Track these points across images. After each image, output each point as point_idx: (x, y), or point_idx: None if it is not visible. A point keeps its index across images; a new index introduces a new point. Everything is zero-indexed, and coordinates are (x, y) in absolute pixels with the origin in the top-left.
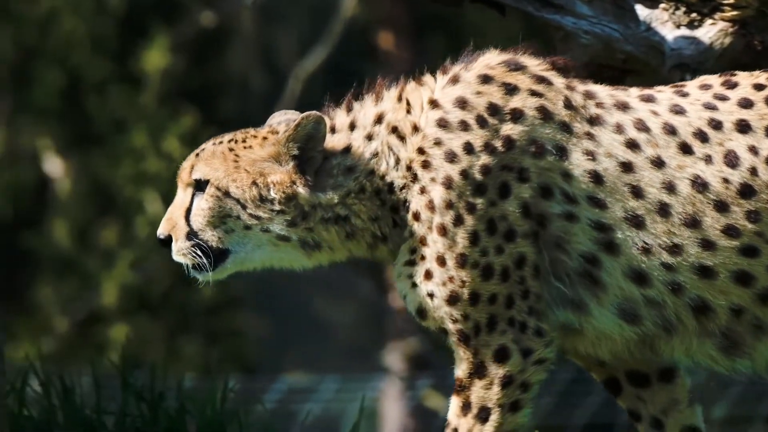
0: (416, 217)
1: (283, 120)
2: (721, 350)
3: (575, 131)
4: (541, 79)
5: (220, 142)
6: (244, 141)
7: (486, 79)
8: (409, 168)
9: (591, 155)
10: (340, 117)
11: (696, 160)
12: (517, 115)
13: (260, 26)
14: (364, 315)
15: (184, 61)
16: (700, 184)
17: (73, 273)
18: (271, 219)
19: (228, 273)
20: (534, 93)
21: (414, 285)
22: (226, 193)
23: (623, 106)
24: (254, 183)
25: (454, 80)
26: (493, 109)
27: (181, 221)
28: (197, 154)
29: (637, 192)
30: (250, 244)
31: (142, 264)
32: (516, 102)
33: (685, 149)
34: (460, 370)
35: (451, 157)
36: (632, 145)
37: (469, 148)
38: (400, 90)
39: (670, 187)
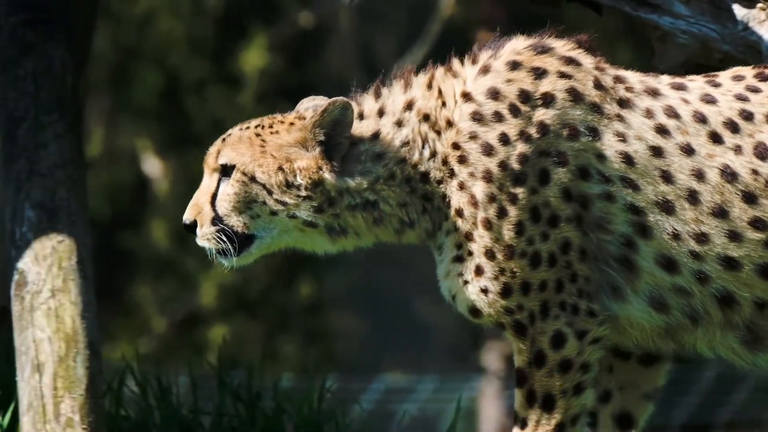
0: (459, 213)
1: (311, 106)
2: (743, 344)
3: (606, 112)
4: (569, 60)
5: (247, 128)
6: (270, 126)
7: (515, 66)
8: (445, 162)
9: (622, 137)
10: (368, 103)
11: (726, 149)
12: (548, 100)
13: (358, 26)
14: (462, 315)
15: (282, 61)
16: (729, 174)
17: (172, 273)
18: (298, 205)
19: (253, 258)
20: (563, 75)
21: (465, 283)
22: (252, 179)
23: (653, 92)
24: (280, 168)
25: (485, 70)
26: (525, 96)
27: (207, 206)
28: (224, 140)
29: (667, 177)
30: (276, 230)
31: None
32: (546, 86)
33: (715, 138)
34: (520, 361)
35: (488, 150)
36: (662, 131)
37: (505, 139)
38: (430, 77)
39: (699, 175)
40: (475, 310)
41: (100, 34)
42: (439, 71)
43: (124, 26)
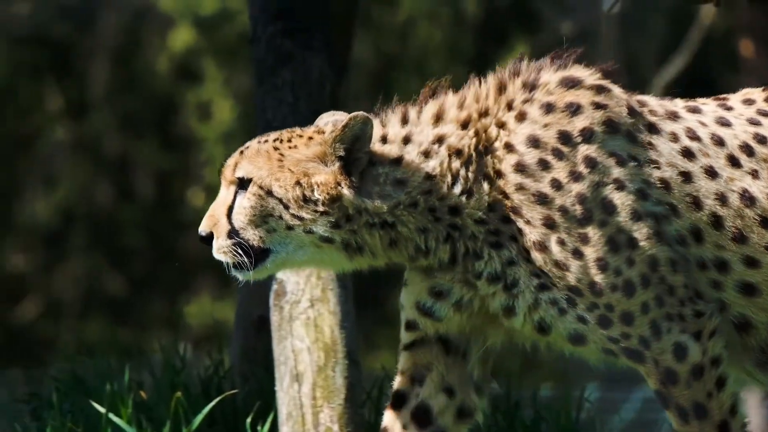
0: (528, 259)
1: (331, 121)
2: (757, 366)
3: (639, 140)
4: (600, 89)
5: (266, 141)
6: (289, 140)
7: (549, 108)
8: (492, 209)
9: (656, 164)
10: (393, 127)
11: (744, 173)
12: (587, 135)
13: (619, 34)
14: None
15: None
16: (747, 198)
17: None
18: (315, 220)
19: (269, 273)
20: (598, 106)
21: (562, 311)
22: (269, 192)
23: (673, 116)
24: (298, 183)
25: (521, 117)
26: (565, 138)
27: (223, 219)
28: (241, 152)
29: (696, 203)
30: (292, 245)
31: None
32: (582, 121)
33: (734, 162)
34: (653, 384)
35: (543, 199)
36: (688, 154)
37: (557, 185)
38: (466, 118)
39: (723, 199)
40: (577, 338)
41: (362, 42)
42: (475, 110)
43: (385, 34)
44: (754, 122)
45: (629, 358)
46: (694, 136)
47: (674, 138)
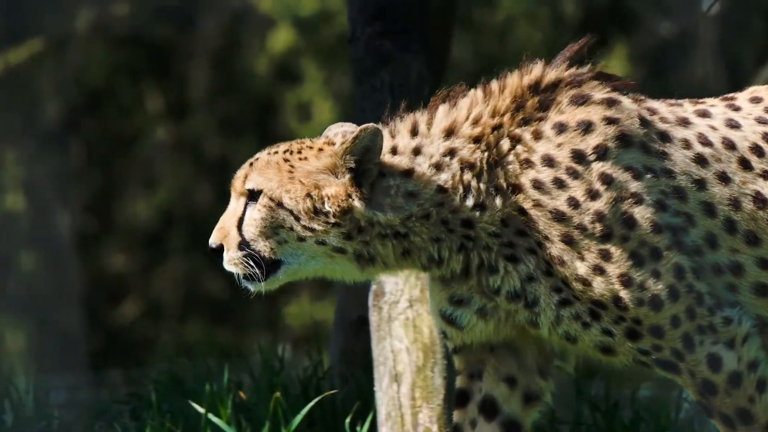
0: (548, 272)
1: (340, 132)
2: None
3: (653, 150)
4: (610, 103)
5: (275, 152)
6: (299, 152)
7: (561, 128)
8: (505, 224)
9: (671, 174)
10: (403, 139)
11: (755, 176)
12: (601, 152)
13: (719, 35)
14: None
15: (642, 71)
16: (760, 201)
17: None
18: (326, 231)
19: (280, 284)
20: (609, 121)
21: (585, 325)
22: (279, 204)
23: (684, 122)
24: (308, 195)
25: (537, 136)
26: (578, 157)
27: (233, 231)
28: (251, 164)
29: (710, 210)
30: (304, 256)
31: None
32: (595, 138)
33: (745, 165)
34: (693, 394)
35: (560, 217)
36: (701, 161)
37: (574, 204)
38: (480, 133)
39: (736, 204)
40: (606, 350)
41: (461, 43)
42: (488, 125)
43: (484, 35)
44: (762, 121)
45: (664, 369)
46: (706, 142)
47: (686, 145)
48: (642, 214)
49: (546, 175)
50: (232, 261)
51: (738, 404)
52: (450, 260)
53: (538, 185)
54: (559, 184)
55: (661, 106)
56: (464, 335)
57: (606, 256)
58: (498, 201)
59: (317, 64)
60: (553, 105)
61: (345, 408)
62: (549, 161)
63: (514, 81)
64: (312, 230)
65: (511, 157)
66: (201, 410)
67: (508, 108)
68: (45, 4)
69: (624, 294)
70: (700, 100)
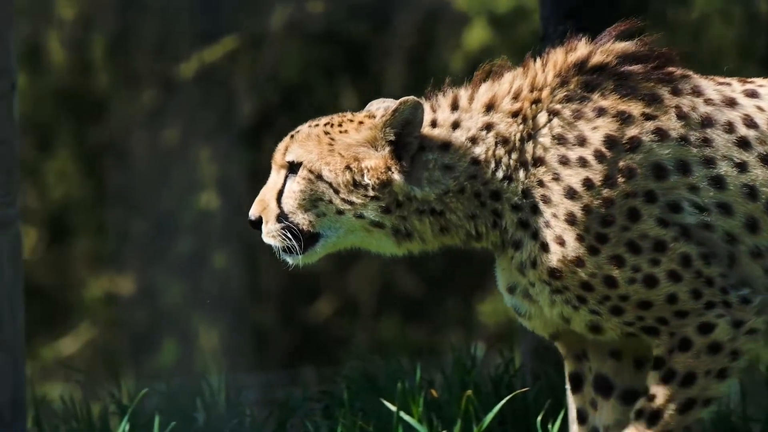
0: (545, 247)
1: (382, 106)
2: None
3: (692, 140)
4: (651, 99)
5: (316, 125)
6: (340, 125)
7: (601, 112)
8: (526, 194)
9: (711, 162)
10: (443, 112)
11: None
12: (635, 144)
13: None
14: None
15: None
16: None
17: None
18: (365, 205)
19: (317, 257)
20: (648, 117)
21: (575, 308)
22: (319, 177)
23: (731, 102)
24: (348, 167)
25: (577, 116)
26: (611, 142)
27: (273, 203)
28: (292, 136)
29: (752, 193)
30: (343, 229)
31: None
32: (632, 130)
33: None
34: (659, 351)
35: (572, 194)
36: (744, 144)
37: (589, 184)
38: (519, 108)
39: None
40: (594, 328)
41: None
42: (527, 99)
43: (678, 33)
44: None
45: (646, 334)
46: (751, 124)
47: (730, 128)
48: (650, 211)
49: (575, 153)
50: (270, 233)
51: (695, 368)
52: (489, 235)
53: (564, 161)
54: (583, 162)
55: (709, 86)
56: (531, 323)
57: (602, 239)
58: (521, 173)
59: (512, 62)
60: (598, 89)
61: (536, 406)
62: (582, 141)
63: (558, 57)
64: (351, 203)
65: (545, 130)
66: (393, 408)
67: (549, 83)
68: (240, 3)
69: (615, 273)
70: (749, 80)
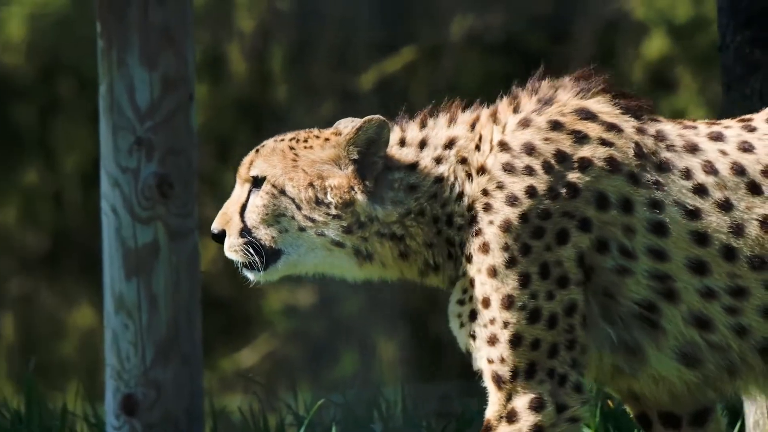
0: (469, 259)
1: (350, 125)
2: None
3: (643, 181)
4: (612, 127)
5: (282, 140)
6: (305, 141)
7: (556, 126)
8: (470, 208)
9: (657, 206)
10: (412, 131)
11: (765, 199)
12: (584, 165)
13: None
14: None
15: None
16: None
17: None
18: (327, 223)
19: (279, 275)
20: (604, 142)
21: (461, 325)
22: (282, 192)
23: (692, 148)
24: (311, 184)
25: (525, 124)
26: (561, 157)
27: (236, 217)
28: (257, 150)
29: (702, 239)
30: (304, 247)
31: None
32: (585, 151)
33: (754, 189)
34: (490, 412)
35: (512, 201)
36: (700, 191)
37: (531, 192)
38: (475, 118)
39: (737, 231)
40: (468, 353)
41: None
42: (485, 114)
43: None
44: None
45: (492, 381)
46: (710, 170)
47: (687, 175)
48: (576, 240)
49: (521, 161)
50: (232, 248)
51: None
52: (445, 267)
53: (509, 168)
54: (529, 171)
55: (672, 131)
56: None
57: (525, 251)
58: (468, 186)
59: (691, 72)
60: (555, 104)
61: None
62: (530, 150)
63: (516, 89)
64: (313, 221)
65: (486, 142)
66: None
67: (506, 102)
68: (420, 14)
69: (516, 293)
70: (718, 122)
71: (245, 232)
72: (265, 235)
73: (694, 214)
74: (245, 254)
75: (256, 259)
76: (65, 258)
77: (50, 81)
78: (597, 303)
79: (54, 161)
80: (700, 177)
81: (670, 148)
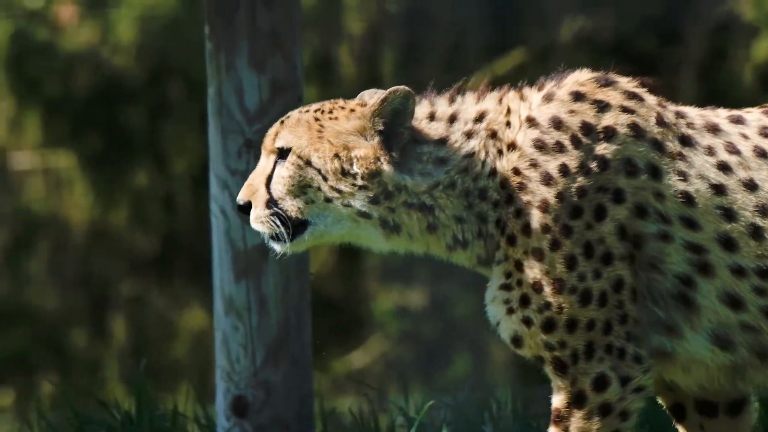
0: (511, 240)
1: (375, 96)
2: None
3: (667, 150)
4: (632, 95)
5: (307, 111)
6: (330, 112)
7: (578, 97)
8: (503, 185)
9: (683, 176)
10: (441, 105)
11: None
12: (609, 134)
13: None
14: None
15: None
16: None
17: None
18: (353, 194)
19: (306, 246)
20: (625, 109)
21: (510, 311)
22: (308, 163)
23: (714, 128)
24: (337, 155)
25: (548, 98)
26: (587, 129)
27: (262, 188)
28: (282, 122)
29: (729, 215)
30: (330, 218)
31: None
32: (608, 119)
33: None
34: (558, 400)
35: (548, 180)
36: (724, 168)
37: (564, 170)
38: (502, 94)
39: (763, 211)
40: (517, 339)
41: None
42: (512, 92)
43: None
44: None
45: (554, 368)
46: (733, 150)
47: (710, 152)
48: (614, 213)
49: (551, 137)
50: (258, 219)
51: (588, 430)
52: (474, 245)
53: (540, 145)
54: (560, 147)
55: (691, 111)
56: None
57: (567, 232)
58: (499, 163)
59: None
60: (571, 78)
61: None
62: (558, 123)
63: (541, 78)
64: (339, 191)
65: (515, 115)
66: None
67: (531, 87)
68: (530, 15)
69: (564, 276)
70: (738, 110)
71: (271, 203)
72: (291, 206)
73: (719, 189)
74: (271, 225)
75: (283, 230)
76: (175, 260)
77: (159, 83)
78: (645, 279)
79: (163, 163)
80: (723, 155)
81: (690, 126)
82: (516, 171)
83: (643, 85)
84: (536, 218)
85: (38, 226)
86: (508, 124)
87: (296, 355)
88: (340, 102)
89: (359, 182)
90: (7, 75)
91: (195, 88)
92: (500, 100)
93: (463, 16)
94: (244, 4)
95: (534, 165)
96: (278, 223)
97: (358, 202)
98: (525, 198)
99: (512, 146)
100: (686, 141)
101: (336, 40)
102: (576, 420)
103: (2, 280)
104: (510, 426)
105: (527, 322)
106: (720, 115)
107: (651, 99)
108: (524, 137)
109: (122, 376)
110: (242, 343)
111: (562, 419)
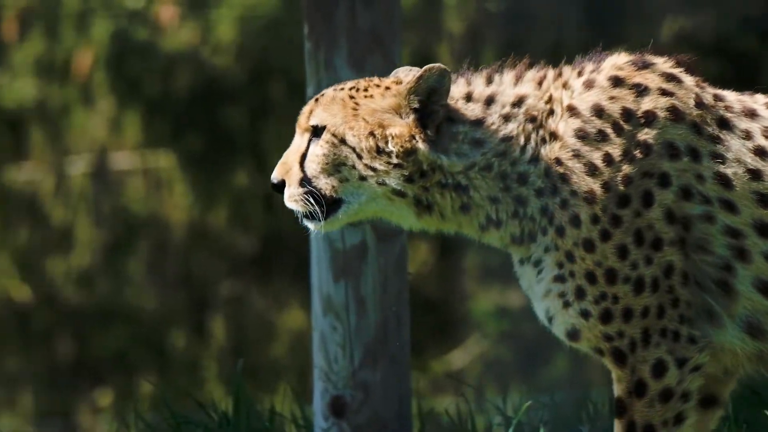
0: (560, 232)
1: (410, 73)
2: None
3: (705, 133)
4: (671, 77)
5: (342, 89)
6: (365, 90)
7: (617, 82)
8: (547, 174)
9: (720, 158)
10: (478, 86)
11: None
12: (650, 118)
13: None
14: None
15: None
16: None
17: None
18: (388, 172)
19: (340, 224)
20: (664, 92)
21: (566, 305)
22: (342, 141)
23: (751, 113)
24: (372, 134)
25: (589, 85)
26: (628, 115)
27: (296, 166)
28: (317, 100)
29: (765, 200)
30: (365, 196)
31: None
32: (647, 104)
33: None
34: (620, 391)
35: (593, 171)
36: (761, 153)
37: (609, 160)
38: (542, 77)
39: None
40: (573, 333)
41: None
42: (551, 73)
43: None
44: None
45: (614, 359)
46: None
47: (747, 136)
48: (662, 197)
49: (593, 126)
50: (292, 197)
51: (651, 419)
52: (508, 224)
53: (582, 135)
54: (603, 136)
55: (730, 95)
56: None
57: (616, 222)
58: (543, 151)
59: None
60: (609, 61)
61: None
62: (599, 112)
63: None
64: (374, 170)
65: (557, 103)
66: None
67: (568, 66)
68: (630, 14)
69: (617, 266)
70: None
71: (305, 181)
72: (325, 184)
73: (756, 174)
74: (305, 204)
75: (317, 208)
76: (275, 260)
77: (259, 83)
78: (695, 261)
79: (264, 163)
80: (761, 140)
81: (728, 109)
82: (558, 161)
83: (679, 64)
84: (584, 210)
85: (138, 226)
86: (551, 112)
87: (395, 355)
88: (375, 80)
89: (394, 160)
90: (107, 75)
91: (295, 88)
92: (539, 84)
93: (564, 15)
94: (343, 2)
95: (577, 156)
96: (312, 201)
97: (393, 181)
98: (570, 189)
99: (554, 136)
100: (724, 124)
101: (436, 39)
102: (639, 409)
103: (102, 280)
104: (607, 426)
105: (585, 314)
106: (758, 101)
107: (689, 80)
108: (566, 127)
109: (221, 376)
110: (340, 343)
111: (625, 410)
